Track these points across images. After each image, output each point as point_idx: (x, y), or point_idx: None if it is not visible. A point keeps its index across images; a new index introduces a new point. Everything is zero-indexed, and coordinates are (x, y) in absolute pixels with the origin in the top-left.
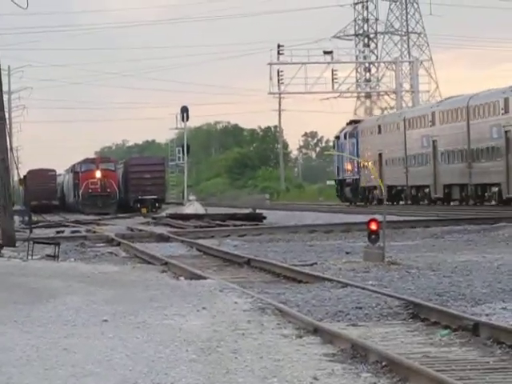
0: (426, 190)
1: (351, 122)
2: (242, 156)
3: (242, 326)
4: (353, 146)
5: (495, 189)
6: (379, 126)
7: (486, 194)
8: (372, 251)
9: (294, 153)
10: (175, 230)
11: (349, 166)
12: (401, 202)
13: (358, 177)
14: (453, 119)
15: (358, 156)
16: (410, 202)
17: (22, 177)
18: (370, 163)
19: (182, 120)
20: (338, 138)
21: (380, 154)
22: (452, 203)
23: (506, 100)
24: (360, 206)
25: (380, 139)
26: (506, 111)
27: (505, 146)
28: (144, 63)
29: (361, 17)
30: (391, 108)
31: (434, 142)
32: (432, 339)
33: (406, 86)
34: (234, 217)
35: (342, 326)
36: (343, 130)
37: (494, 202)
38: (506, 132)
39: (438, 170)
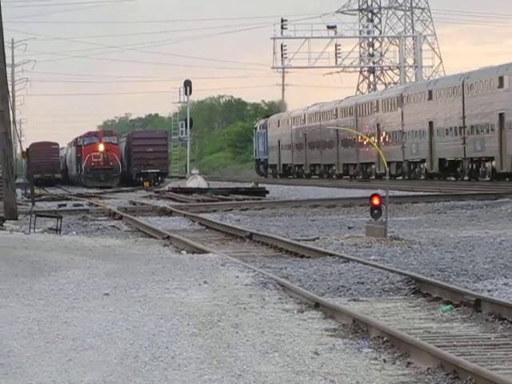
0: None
1: (265, 117)
2: (245, 130)
3: (244, 300)
4: (264, 135)
5: None
6: (278, 122)
7: None
8: (374, 226)
9: None
10: (178, 203)
11: (261, 148)
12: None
13: (266, 157)
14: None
15: (268, 142)
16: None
17: (24, 150)
18: (369, 139)
19: (185, 94)
20: (255, 128)
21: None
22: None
23: None
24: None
25: (279, 131)
26: None
27: None
28: (147, 37)
29: None
30: (395, 83)
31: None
32: (434, 315)
33: (410, 61)
34: (236, 191)
35: (343, 301)
36: (259, 122)
37: None
38: None
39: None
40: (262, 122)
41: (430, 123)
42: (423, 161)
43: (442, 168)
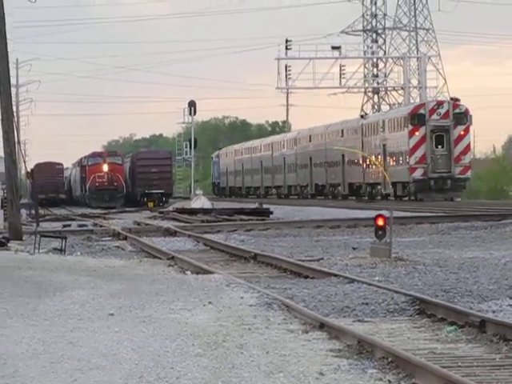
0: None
1: (218, 149)
2: None
3: (248, 320)
4: (217, 164)
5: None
6: (226, 153)
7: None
8: (379, 247)
9: None
10: (182, 224)
11: (215, 174)
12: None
13: (219, 180)
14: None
15: (220, 169)
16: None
17: (29, 170)
18: (373, 158)
19: (190, 114)
20: (212, 158)
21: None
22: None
23: None
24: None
25: (227, 160)
26: None
27: None
28: (151, 57)
29: (369, 12)
30: (399, 104)
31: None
32: (438, 335)
33: (414, 82)
34: (240, 211)
35: (348, 322)
36: (215, 153)
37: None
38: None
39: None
40: (217, 153)
41: (343, 156)
42: (339, 184)
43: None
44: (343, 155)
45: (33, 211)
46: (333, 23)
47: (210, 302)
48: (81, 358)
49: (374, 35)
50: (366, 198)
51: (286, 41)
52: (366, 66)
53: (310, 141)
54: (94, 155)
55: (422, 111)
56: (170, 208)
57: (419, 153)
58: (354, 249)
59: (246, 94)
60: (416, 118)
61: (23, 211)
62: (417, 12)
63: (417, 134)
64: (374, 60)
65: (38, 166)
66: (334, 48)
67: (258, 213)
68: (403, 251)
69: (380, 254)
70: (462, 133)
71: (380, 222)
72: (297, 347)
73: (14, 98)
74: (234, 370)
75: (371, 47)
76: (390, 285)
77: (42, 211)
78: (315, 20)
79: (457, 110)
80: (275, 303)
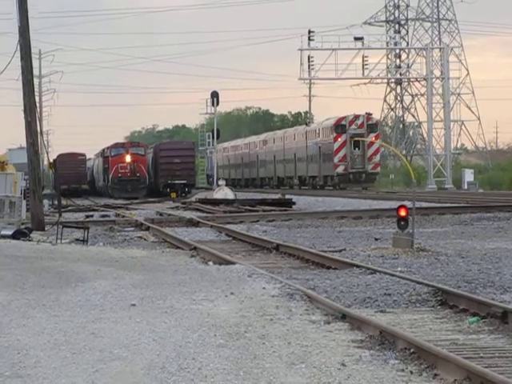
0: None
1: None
2: None
3: (270, 311)
4: (210, 159)
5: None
6: (217, 150)
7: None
8: (401, 238)
9: None
10: (204, 214)
11: (209, 167)
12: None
13: (212, 173)
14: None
15: (212, 164)
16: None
17: (51, 161)
18: (394, 149)
19: (213, 105)
20: (206, 153)
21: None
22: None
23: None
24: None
25: (218, 155)
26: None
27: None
28: (175, 48)
29: (392, 3)
30: (422, 95)
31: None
32: (460, 326)
33: (437, 73)
34: (263, 202)
35: (370, 313)
36: (208, 150)
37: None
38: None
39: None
40: (209, 150)
41: (294, 154)
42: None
43: (300, 181)
44: (295, 154)
45: (55, 202)
46: (355, 14)
47: (231, 293)
48: (102, 349)
49: (397, 26)
50: (310, 187)
51: (309, 31)
52: (389, 56)
53: (274, 142)
54: (117, 146)
55: (343, 122)
56: (193, 198)
57: (341, 153)
58: (376, 239)
59: (269, 84)
60: (339, 128)
61: (46, 202)
62: (439, 3)
63: (339, 139)
64: (397, 51)
65: (60, 156)
66: (356, 39)
67: (281, 203)
68: (425, 242)
69: (402, 244)
70: (374, 139)
71: (402, 213)
72: (319, 338)
73: (36, 89)
74: (255, 361)
75: (394, 38)
76: (412, 275)
77: (64, 202)
78: (338, 11)
79: (370, 122)
80: (297, 294)
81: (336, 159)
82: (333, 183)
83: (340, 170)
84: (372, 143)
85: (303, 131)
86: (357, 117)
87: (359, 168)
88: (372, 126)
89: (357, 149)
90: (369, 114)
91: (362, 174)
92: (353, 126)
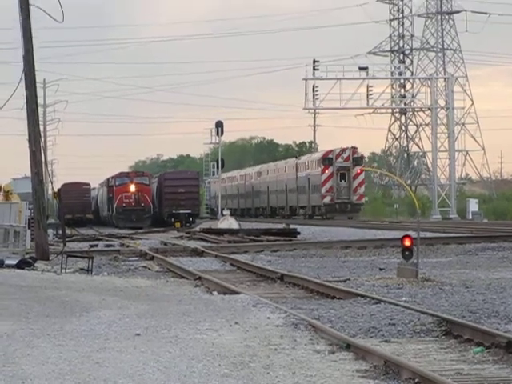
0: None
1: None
2: None
3: (275, 341)
4: (209, 189)
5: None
6: (214, 180)
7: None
8: (405, 267)
9: None
10: (209, 244)
11: (208, 197)
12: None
13: (211, 203)
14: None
15: (211, 193)
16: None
17: (56, 190)
18: (399, 179)
19: (217, 135)
20: (205, 183)
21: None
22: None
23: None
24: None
25: (215, 187)
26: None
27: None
28: (178, 78)
29: (396, 33)
30: (426, 125)
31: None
32: (465, 356)
33: (441, 103)
34: (267, 232)
35: (374, 343)
36: (208, 180)
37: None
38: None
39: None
40: (208, 180)
41: (286, 185)
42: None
43: (291, 211)
44: (286, 185)
45: (59, 231)
46: (360, 44)
47: (236, 323)
48: (107, 379)
49: (402, 56)
50: (302, 217)
51: (314, 61)
52: (394, 86)
53: (267, 174)
54: (122, 175)
55: (330, 156)
56: (197, 228)
57: (328, 185)
58: (380, 269)
59: (274, 114)
60: (326, 161)
61: (50, 231)
62: (444, 33)
63: (327, 171)
64: (402, 81)
65: (65, 185)
66: (361, 68)
67: (286, 233)
68: (430, 272)
69: (407, 274)
70: (359, 171)
71: (407, 243)
72: (323, 368)
73: (41, 118)
74: None
75: (398, 68)
76: (416, 305)
77: (68, 231)
78: (342, 41)
79: (355, 155)
80: (302, 324)
81: (323, 190)
82: (320, 213)
83: (327, 200)
84: (357, 175)
85: (294, 163)
86: (343, 150)
87: (345, 199)
88: (357, 159)
89: (343, 181)
90: (354, 148)
91: (347, 205)
92: (339, 159)
